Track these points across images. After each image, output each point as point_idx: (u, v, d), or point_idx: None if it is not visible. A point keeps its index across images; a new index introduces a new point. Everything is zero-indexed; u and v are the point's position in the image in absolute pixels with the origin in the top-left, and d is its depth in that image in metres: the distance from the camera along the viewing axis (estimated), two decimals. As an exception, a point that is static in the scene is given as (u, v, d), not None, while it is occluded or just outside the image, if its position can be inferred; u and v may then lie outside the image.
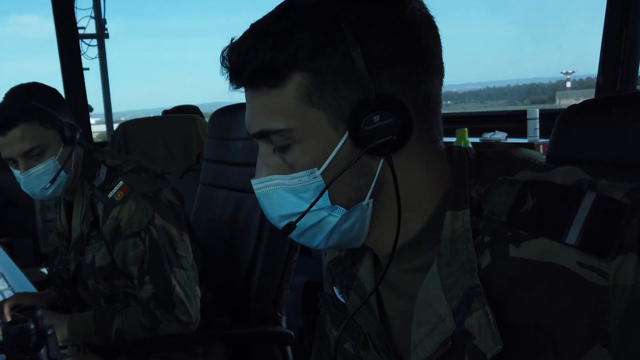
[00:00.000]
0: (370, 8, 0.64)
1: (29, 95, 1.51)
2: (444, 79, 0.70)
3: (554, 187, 0.62)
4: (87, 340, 1.51)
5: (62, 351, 1.32)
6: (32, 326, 1.12)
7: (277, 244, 1.73)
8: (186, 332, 1.51)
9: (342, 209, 0.67)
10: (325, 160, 0.65)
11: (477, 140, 2.94)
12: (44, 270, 3.66)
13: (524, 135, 2.81)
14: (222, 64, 0.67)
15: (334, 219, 0.67)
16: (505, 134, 2.96)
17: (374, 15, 0.64)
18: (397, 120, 0.62)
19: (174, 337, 1.53)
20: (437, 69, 0.67)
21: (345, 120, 0.64)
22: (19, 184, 1.53)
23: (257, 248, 1.72)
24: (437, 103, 0.69)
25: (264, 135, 0.67)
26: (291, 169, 0.67)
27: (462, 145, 0.76)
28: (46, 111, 1.49)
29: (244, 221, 1.79)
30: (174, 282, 1.49)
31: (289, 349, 1.75)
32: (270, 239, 1.72)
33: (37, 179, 1.49)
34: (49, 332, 1.17)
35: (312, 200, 0.66)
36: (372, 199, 0.67)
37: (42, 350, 1.13)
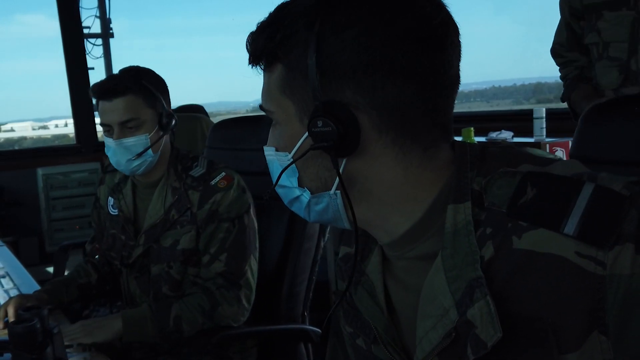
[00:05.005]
0: (346, 17, 0.65)
1: (139, 74, 1.63)
2: (453, 95, 0.70)
3: (554, 178, 0.63)
4: (141, 335, 1.54)
5: (67, 350, 1.32)
6: (38, 325, 1.12)
7: (307, 247, 1.81)
8: (238, 320, 1.60)
9: (309, 192, 0.73)
10: (294, 148, 0.71)
11: (483, 139, 2.93)
12: (50, 269, 3.67)
13: (531, 135, 2.80)
14: None
15: (305, 199, 0.73)
16: (511, 133, 2.95)
17: (347, 24, 0.65)
18: (335, 129, 0.66)
19: (209, 335, 1.57)
20: (426, 83, 0.67)
21: (308, 117, 0.68)
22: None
23: (286, 252, 1.79)
24: (428, 115, 0.68)
25: (264, 110, 0.75)
26: (278, 145, 0.74)
27: (469, 144, 0.76)
28: (151, 91, 1.62)
29: (267, 226, 1.83)
30: (247, 267, 1.62)
31: (310, 346, 1.83)
32: (300, 242, 1.81)
33: (126, 150, 1.59)
34: (55, 330, 1.17)
35: (288, 177, 0.73)
36: (338, 191, 0.71)
37: (48, 349, 1.13)
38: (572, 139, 1.14)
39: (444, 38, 0.68)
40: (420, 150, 0.69)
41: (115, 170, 1.80)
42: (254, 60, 0.73)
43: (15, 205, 3.82)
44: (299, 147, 0.70)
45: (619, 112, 1.08)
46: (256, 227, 1.68)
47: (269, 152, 0.76)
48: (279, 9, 0.70)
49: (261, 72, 0.74)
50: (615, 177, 0.61)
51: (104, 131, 1.62)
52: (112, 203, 1.77)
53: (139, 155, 1.59)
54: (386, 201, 0.71)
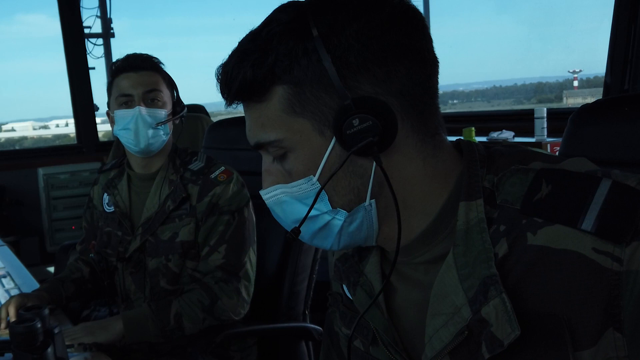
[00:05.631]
0: (341, 16, 0.66)
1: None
2: (438, 74, 0.71)
3: (569, 175, 0.63)
4: (143, 335, 1.53)
5: (68, 350, 1.31)
6: (39, 325, 1.12)
7: (307, 246, 1.81)
8: (239, 313, 1.61)
9: (344, 211, 0.69)
10: (319, 167, 0.67)
11: (484, 139, 2.94)
12: (50, 269, 3.67)
13: (532, 134, 2.80)
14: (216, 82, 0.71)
15: (338, 222, 0.69)
16: (512, 133, 2.95)
17: (345, 22, 0.65)
18: (376, 121, 0.64)
19: (210, 333, 1.57)
20: (423, 62, 0.68)
21: (330, 126, 0.66)
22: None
23: (287, 251, 1.80)
24: (430, 96, 0.69)
25: (261, 146, 0.71)
26: (290, 176, 0.70)
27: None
28: (170, 77, 1.70)
29: (267, 225, 1.83)
30: (246, 258, 1.63)
31: (311, 344, 1.84)
32: (300, 241, 1.78)
33: (147, 119, 1.62)
34: (56, 330, 1.17)
35: (315, 206, 0.68)
36: (373, 199, 0.68)
37: (49, 349, 1.13)
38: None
39: (422, 18, 0.69)
40: (430, 137, 0.69)
41: (109, 170, 1.82)
42: (242, 96, 0.69)
43: (16, 205, 3.83)
44: (326, 162, 0.67)
45: (608, 112, 1.08)
46: (254, 222, 1.69)
47: (273, 192, 0.71)
48: (252, 38, 0.67)
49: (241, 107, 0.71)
50: (628, 174, 0.61)
51: (121, 103, 1.63)
52: (107, 201, 1.77)
53: (160, 124, 1.63)
54: (408, 202, 0.69)
